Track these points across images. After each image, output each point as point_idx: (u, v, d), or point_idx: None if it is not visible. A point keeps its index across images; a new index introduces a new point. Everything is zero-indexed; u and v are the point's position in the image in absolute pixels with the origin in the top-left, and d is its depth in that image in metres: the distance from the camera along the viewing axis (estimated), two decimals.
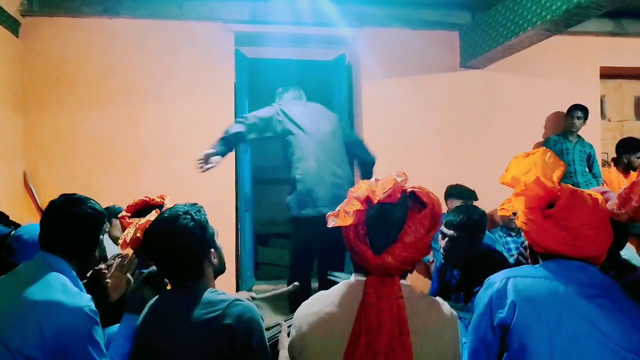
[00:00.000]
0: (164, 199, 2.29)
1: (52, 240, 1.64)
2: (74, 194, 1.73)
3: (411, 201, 1.33)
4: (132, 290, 1.83)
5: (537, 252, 1.47)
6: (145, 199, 2.30)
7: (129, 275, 1.94)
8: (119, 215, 2.25)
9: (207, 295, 1.47)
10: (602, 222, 1.39)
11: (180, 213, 1.53)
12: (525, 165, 1.53)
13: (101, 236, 1.76)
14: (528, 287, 1.36)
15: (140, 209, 2.27)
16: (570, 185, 1.45)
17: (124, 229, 2.17)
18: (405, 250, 1.26)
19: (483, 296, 1.43)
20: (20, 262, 1.74)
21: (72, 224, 1.65)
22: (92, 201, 1.72)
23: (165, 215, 1.55)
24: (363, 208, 1.31)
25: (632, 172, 4.63)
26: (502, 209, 1.55)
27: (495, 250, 2.59)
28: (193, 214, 1.54)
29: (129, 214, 2.24)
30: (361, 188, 1.36)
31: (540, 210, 1.43)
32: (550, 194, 1.44)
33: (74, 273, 1.63)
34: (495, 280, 1.42)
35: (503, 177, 1.57)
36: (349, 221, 1.30)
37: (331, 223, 1.35)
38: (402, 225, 1.28)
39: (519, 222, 1.50)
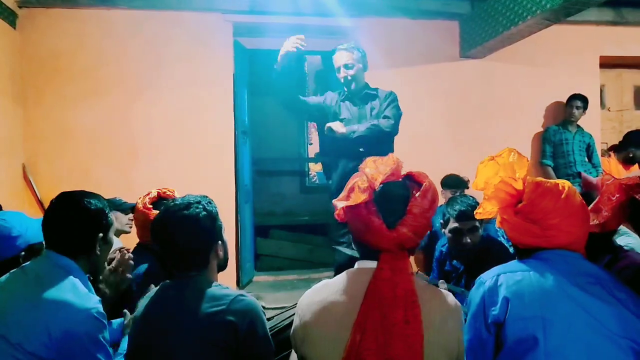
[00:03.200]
0: (173, 192, 2.36)
1: (55, 238, 1.62)
2: (74, 191, 1.69)
3: (409, 181, 1.43)
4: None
5: (522, 250, 1.50)
6: (159, 191, 2.35)
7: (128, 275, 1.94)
8: (140, 208, 2.27)
9: (211, 288, 1.48)
10: (568, 209, 1.40)
11: (192, 202, 1.54)
12: (493, 168, 1.56)
13: (110, 235, 1.72)
14: (519, 281, 1.37)
15: (157, 201, 2.31)
16: (536, 179, 1.47)
17: (146, 221, 2.19)
18: (417, 220, 1.32)
19: (475, 295, 1.45)
20: None
21: (71, 221, 1.62)
22: (91, 196, 1.68)
23: (177, 202, 1.56)
24: (371, 187, 1.37)
25: (632, 165, 4.58)
26: (477, 213, 1.58)
27: (497, 241, 2.58)
28: (205, 204, 1.56)
29: (152, 207, 2.28)
30: (368, 165, 1.43)
31: (512, 208, 1.47)
32: (519, 192, 1.47)
33: (83, 273, 1.61)
34: (486, 278, 1.44)
35: (475, 183, 1.61)
36: (362, 198, 1.34)
37: (340, 205, 1.38)
38: (408, 200, 1.35)
39: (497, 222, 1.54)
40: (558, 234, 1.40)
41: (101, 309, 1.52)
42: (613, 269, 1.65)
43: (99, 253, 1.67)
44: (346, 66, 3.22)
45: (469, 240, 2.36)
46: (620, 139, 4.76)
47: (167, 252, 1.55)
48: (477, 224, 2.37)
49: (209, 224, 1.54)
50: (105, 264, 1.91)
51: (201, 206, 1.54)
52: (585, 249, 1.46)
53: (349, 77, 3.22)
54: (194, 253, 1.53)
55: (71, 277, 1.55)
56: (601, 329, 1.27)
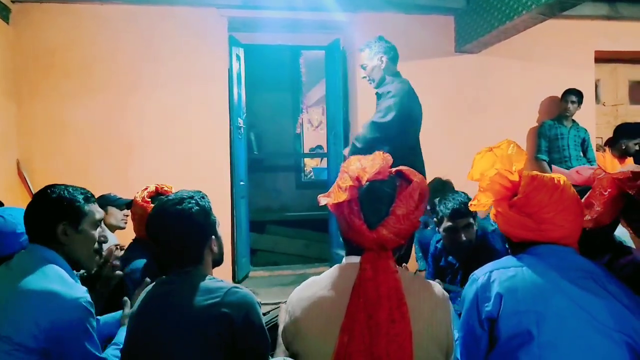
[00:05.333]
0: (170, 189, 2.36)
1: (27, 229, 1.64)
2: (52, 184, 1.70)
3: (398, 179, 1.39)
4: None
5: (515, 243, 1.50)
6: (157, 186, 2.36)
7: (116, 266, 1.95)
8: (139, 202, 2.27)
9: (205, 282, 1.48)
10: (563, 203, 1.39)
11: (185, 197, 1.54)
12: (489, 160, 1.55)
13: (83, 226, 1.68)
14: (512, 277, 1.37)
15: (154, 196, 2.31)
16: (532, 172, 1.46)
17: (144, 215, 2.19)
18: (399, 222, 1.29)
19: (468, 292, 1.45)
20: None
21: (34, 210, 1.63)
22: (61, 186, 1.67)
23: (170, 198, 1.56)
24: (355, 185, 1.34)
25: (627, 157, 4.62)
26: (472, 204, 1.57)
27: (491, 235, 2.56)
28: (198, 199, 1.56)
29: (150, 200, 2.28)
30: (352, 164, 1.40)
31: (507, 201, 1.46)
32: (515, 185, 1.46)
33: (66, 263, 1.62)
34: (479, 275, 1.44)
35: (470, 174, 1.59)
36: (343, 197, 1.33)
37: (323, 202, 1.38)
38: (393, 200, 1.32)
39: (491, 215, 1.53)
40: (552, 227, 1.40)
41: (89, 298, 1.53)
42: (614, 266, 1.65)
43: (65, 243, 1.63)
44: (362, 67, 3.28)
45: (464, 238, 2.35)
46: None
47: (161, 248, 1.55)
48: (472, 220, 2.36)
49: (202, 219, 1.54)
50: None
51: (194, 201, 1.54)
52: (584, 245, 1.46)
53: (367, 78, 3.27)
54: (187, 248, 1.53)
55: (56, 267, 1.56)
56: (594, 323, 1.27)
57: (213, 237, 1.59)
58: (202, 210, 1.54)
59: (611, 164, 1.71)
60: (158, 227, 1.54)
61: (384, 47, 3.21)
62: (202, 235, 1.55)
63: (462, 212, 2.32)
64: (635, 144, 4.51)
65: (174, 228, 1.51)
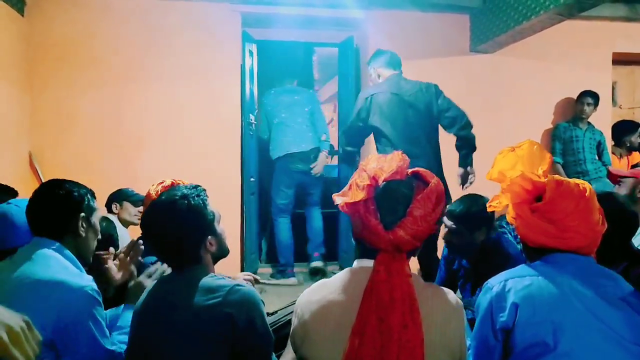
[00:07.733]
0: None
1: (37, 223, 1.64)
2: (54, 179, 1.73)
3: (415, 180, 1.36)
4: (136, 284, 1.83)
5: (531, 248, 1.45)
6: (173, 181, 2.33)
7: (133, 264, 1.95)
8: (153, 196, 2.26)
9: (206, 280, 1.43)
10: (588, 212, 1.36)
11: (177, 198, 1.48)
12: (511, 160, 1.51)
13: (94, 219, 1.72)
14: (527, 286, 1.33)
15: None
16: (556, 177, 1.42)
17: None
18: (416, 224, 1.26)
19: (483, 300, 1.41)
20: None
21: (47, 204, 1.64)
22: (70, 182, 1.70)
23: (163, 198, 1.51)
24: (372, 184, 1.31)
25: (633, 152, 4.66)
26: (491, 205, 1.52)
27: (504, 241, 2.49)
28: (191, 199, 1.49)
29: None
30: (371, 162, 1.37)
31: (528, 204, 1.41)
32: (537, 188, 1.41)
33: (72, 255, 1.62)
34: (494, 283, 1.40)
35: (490, 173, 1.55)
36: (360, 196, 1.29)
37: (339, 201, 1.34)
38: (410, 201, 1.29)
39: (509, 217, 1.48)
40: (575, 236, 1.36)
41: (95, 287, 1.52)
42: (631, 274, 1.61)
43: (83, 235, 1.66)
44: None
45: (454, 241, 2.29)
46: None
47: (157, 250, 1.53)
48: (462, 229, 2.26)
49: (194, 221, 1.48)
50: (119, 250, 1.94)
51: (186, 202, 1.47)
52: (602, 253, 1.42)
53: None
54: (182, 250, 1.48)
55: (61, 258, 1.57)
56: (611, 334, 1.24)
57: (209, 236, 1.53)
58: (193, 211, 1.48)
59: (623, 166, 1.68)
60: (150, 230, 1.51)
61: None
62: (195, 237, 1.50)
63: (453, 215, 2.25)
64: (638, 137, 4.56)
65: (165, 231, 1.47)
